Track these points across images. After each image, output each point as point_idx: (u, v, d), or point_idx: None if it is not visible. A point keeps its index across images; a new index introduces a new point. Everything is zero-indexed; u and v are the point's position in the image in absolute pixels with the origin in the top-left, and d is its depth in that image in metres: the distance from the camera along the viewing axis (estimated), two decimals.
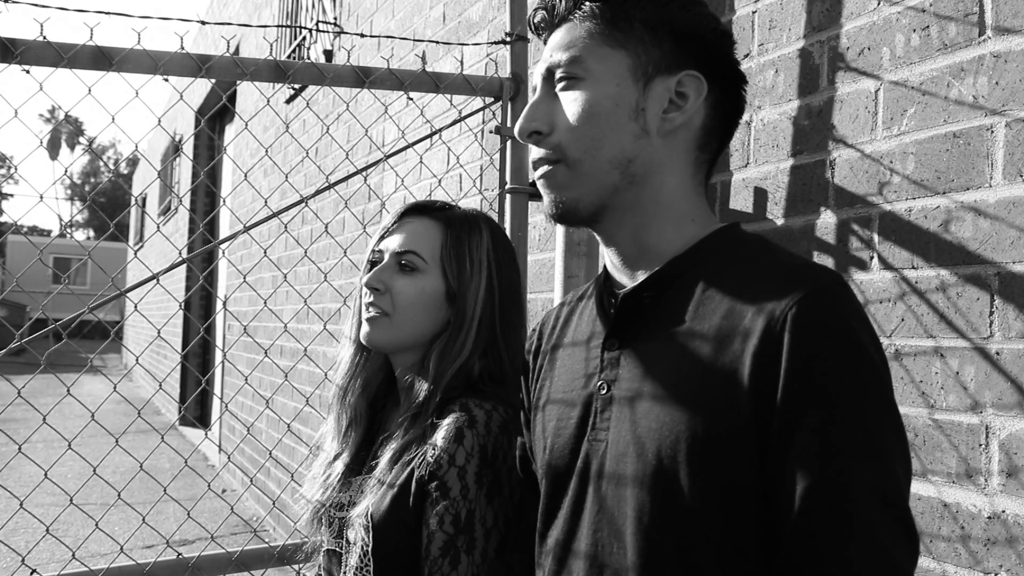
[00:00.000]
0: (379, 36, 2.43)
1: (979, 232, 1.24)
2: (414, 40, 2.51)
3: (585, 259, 1.86)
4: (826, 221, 1.48)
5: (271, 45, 2.24)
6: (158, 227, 10.95)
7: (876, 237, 1.39)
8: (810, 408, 0.75)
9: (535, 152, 0.94)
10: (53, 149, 47.69)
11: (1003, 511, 1.18)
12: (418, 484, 1.16)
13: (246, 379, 3.45)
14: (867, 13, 1.43)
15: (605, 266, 0.99)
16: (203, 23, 1.83)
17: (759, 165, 1.63)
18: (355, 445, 1.33)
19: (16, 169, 1.84)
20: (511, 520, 1.16)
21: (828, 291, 0.79)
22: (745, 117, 1.66)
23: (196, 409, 8.94)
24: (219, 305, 7.74)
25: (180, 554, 1.87)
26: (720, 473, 0.79)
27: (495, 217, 1.90)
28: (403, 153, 3.24)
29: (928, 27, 1.33)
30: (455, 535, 1.13)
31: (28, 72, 1.63)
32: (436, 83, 1.97)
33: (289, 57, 5.35)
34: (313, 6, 5.12)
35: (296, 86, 4.89)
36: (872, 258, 1.40)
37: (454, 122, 2.18)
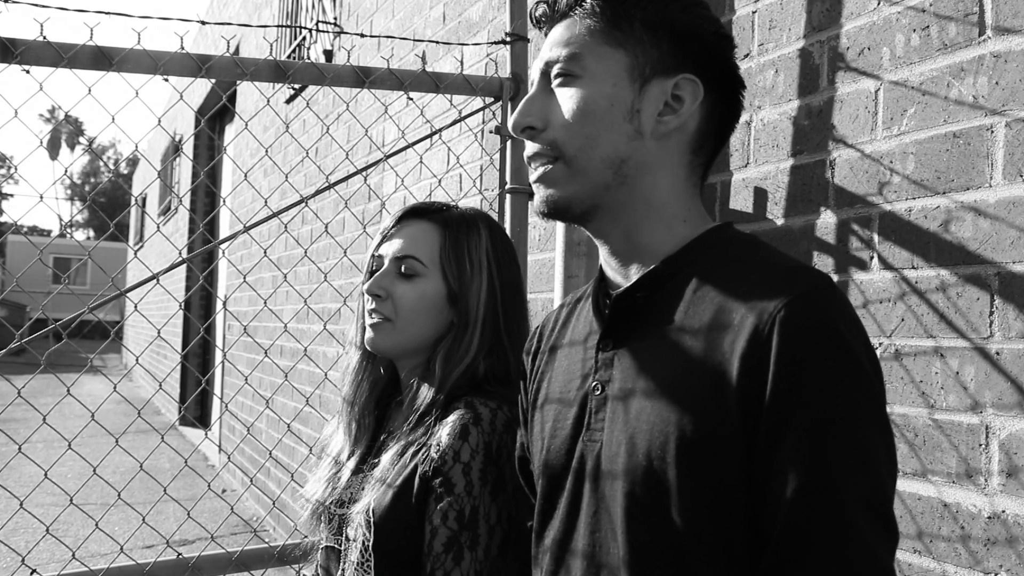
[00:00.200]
0: (379, 36, 2.43)
1: (979, 232, 1.24)
2: (414, 40, 2.51)
3: (585, 259, 1.86)
4: (826, 221, 1.48)
5: (271, 45, 2.24)
6: (158, 227, 10.95)
7: (876, 237, 1.39)
8: (798, 410, 0.76)
9: (530, 148, 0.94)
10: (53, 149, 47.69)
11: (1003, 511, 1.18)
12: (421, 480, 1.17)
13: (246, 379, 3.45)
14: (867, 13, 1.43)
15: (601, 267, 0.99)
16: (203, 23, 1.83)
17: (759, 165, 1.63)
18: (363, 448, 1.34)
19: (16, 169, 1.84)
20: (514, 518, 1.16)
21: (817, 294, 0.79)
22: (745, 117, 1.66)
23: (196, 409, 8.94)
24: (219, 305, 7.74)
25: (180, 554, 1.87)
26: (709, 473, 0.80)
27: (495, 217, 1.90)
28: (403, 153, 3.24)
29: (928, 27, 1.33)
30: (459, 531, 1.13)
31: (28, 72, 1.63)
32: (436, 83, 1.97)
33: (289, 57, 5.35)
34: (313, 6, 5.12)
35: (296, 86, 4.90)
36: (872, 258, 1.40)
37: (454, 122, 2.18)
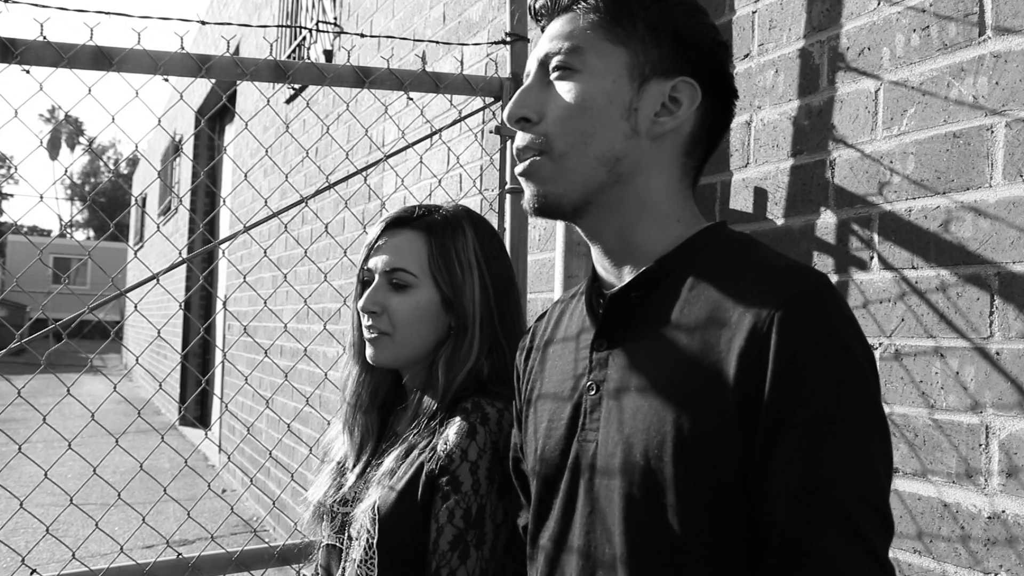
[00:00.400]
0: (379, 36, 2.43)
1: (979, 232, 1.24)
2: (414, 40, 2.51)
3: (585, 259, 1.86)
4: (826, 221, 1.48)
5: (271, 45, 2.25)
6: (158, 227, 10.96)
7: (876, 237, 1.39)
8: (798, 409, 0.76)
9: (520, 139, 0.93)
10: (53, 149, 47.70)
11: (1003, 511, 1.18)
12: (427, 478, 1.17)
13: (246, 379, 3.45)
14: (867, 13, 1.43)
15: (593, 266, 0.99)
16: (203, 23, 1.83)
17: (759, 165, 1.63)
18: (368, 453, 1.34)
19: (16, 169, 1.84)
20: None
21: (815, 292, 0.80)
22: (745, 117, 1.66)
23: (196, 409, 8.94)
24: (219, 305, 7.74)
25: (180, 554, 1.87)
26: (706, 472, 0.80)
27: (495, 217, 1.90)
28: (403, 153, 3.24)
29: (928, 27, 1.33)
30: (465, 529, 1.13)
31: (28, 72, 1.63)
32: (436, 83, 1.97)
33: (289, 57, 5.35)
34: (313, 6, 5.12)
35: (296, 86, 4.90)
36: (872, 258, 1.40)
37: (454, 122, 2.18)
